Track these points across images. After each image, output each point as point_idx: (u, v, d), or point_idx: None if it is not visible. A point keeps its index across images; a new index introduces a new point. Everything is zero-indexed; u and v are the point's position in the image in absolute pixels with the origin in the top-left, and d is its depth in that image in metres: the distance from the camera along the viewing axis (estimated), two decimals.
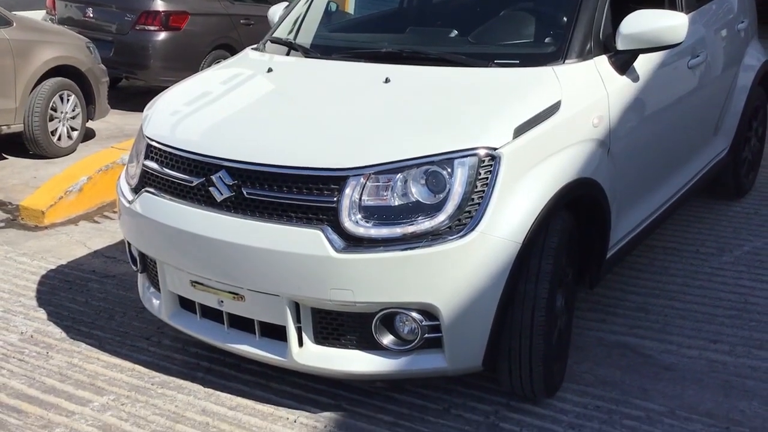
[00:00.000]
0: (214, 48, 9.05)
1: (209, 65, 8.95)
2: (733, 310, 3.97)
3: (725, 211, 5.22)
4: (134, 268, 3.56)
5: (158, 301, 3.37)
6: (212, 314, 3.16)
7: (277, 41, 3.97)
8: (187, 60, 8.77)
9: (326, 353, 2.94)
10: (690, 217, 5.06)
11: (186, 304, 3.27)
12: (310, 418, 3.06)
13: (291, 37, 3.97)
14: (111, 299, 4.14)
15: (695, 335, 3.73)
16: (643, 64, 3.55)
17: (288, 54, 3.79)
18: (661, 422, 3.05)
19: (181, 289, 3.19)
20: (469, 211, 2.75)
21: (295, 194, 2.84)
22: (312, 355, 2.94)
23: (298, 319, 2.91)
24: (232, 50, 9.30)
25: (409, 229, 2.74)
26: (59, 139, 6.96)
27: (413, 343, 2.84)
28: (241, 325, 3.08)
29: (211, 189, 3.00)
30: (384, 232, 2.76)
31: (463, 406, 3.13)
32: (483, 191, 2.78)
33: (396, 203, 2.78)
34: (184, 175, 3.10)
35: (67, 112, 7.00)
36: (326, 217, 2.80)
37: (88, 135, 7.52)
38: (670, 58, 3.80)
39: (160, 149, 3.22)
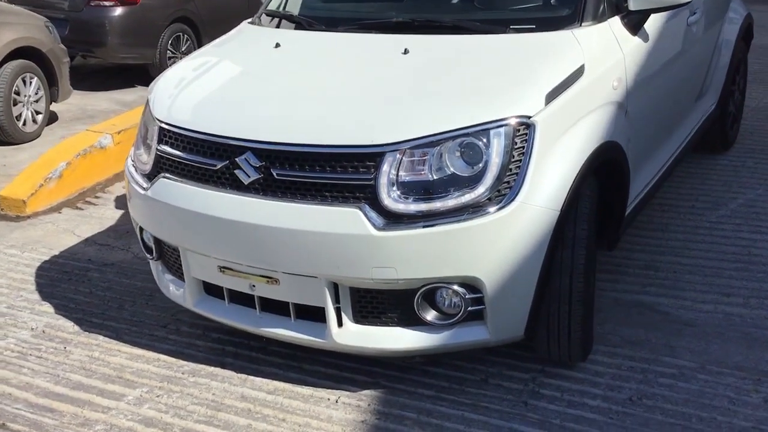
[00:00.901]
0: (172, 21, 8.80)
1: (168, 40, 8.73)
2: (738, 262, 4.05)
3: (713, 165, 5.30)
4: (148, 255, 3.47)
5: (180, 289, 3.29)
6: (240, 299, 3.11)
7: (276, 14, 3.86)
8: (146, 35, 8.54)
9: (367, 332, 2.91)
10: (681, 173, 5.12)
11: (211, 289, 3.20)
12: (352, 397, 3.04)
13: (290, 9, 3.86)
14: (116, 288, 4.03)
15: (707, 290, 3.79)
16: (652, 23, 3.56)
17: (294, 27, 3.69)
18: (695, 378, 3.10)
19: (208, 276, 3.12)
20: (508, 182, 2.74)
21: (329, 173, 2.78)
22: (352, 335, 2.91)
23: (337, 300, 2.87)
24: (191, 23, 9.09)
25: (449, 203, 2.72)
26: (24, 123, 6.72)
27: (456, 317, 2.82)
28: (274, 308, 3.03)
29: (236, 172, 2.92)
30: (423, 207, 2.72)
31: (499, 375, 3.14)
32: (520, 161, 2.76)
33: (433, 177, 2.74)
34: (206, 158, 3.01)
35: (30, 96, 6.75)
36: (363, 195, 2.75)
37: (51, 118, 7.27)
38: (674, 16, 3.82)
39: (176, 133, 3.12)
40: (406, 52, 3.15)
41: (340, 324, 2.90)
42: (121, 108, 7.67)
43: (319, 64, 3.31)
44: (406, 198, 2.73)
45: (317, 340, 2.95)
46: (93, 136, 5.72)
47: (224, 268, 3.02)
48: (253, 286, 3.00)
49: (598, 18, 3.29)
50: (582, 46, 3.13)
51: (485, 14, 3.47)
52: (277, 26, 3.82)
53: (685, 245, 4.24)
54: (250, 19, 4.02)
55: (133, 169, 3.37)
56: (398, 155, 2.73)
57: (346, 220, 2.74)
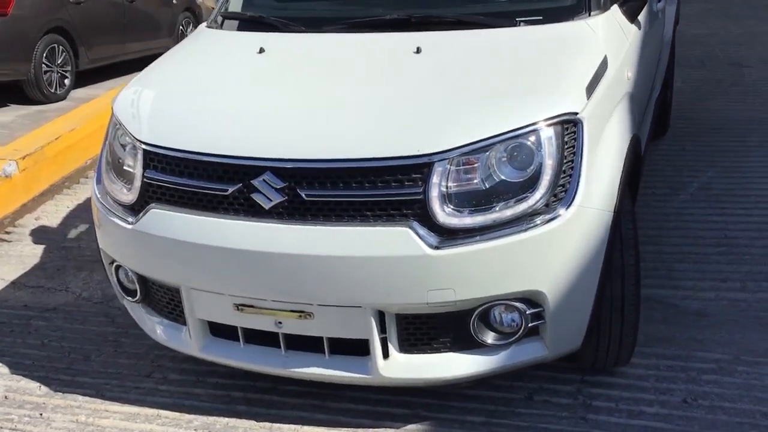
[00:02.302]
0: (46, 32, 8.06)
1: (43, 52, 7.99)
2: (720, 246, 4.04)
3: (656, 150, 5.33)
4: (128, 297, 3.04)
5: (177, 332, 2.89)
6: (258, 338, 2.75)
7: (237, 17, 3.49)
8: (18, 48, 7.78)
9: (416, 362, 2.63)
10: None
11: (217, 330, 2.83)
12: None
13: (255, 11, 3.50)
14: (71, 337, 3.55)
15: (701, 277, 3.75)
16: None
17: (264, 30, 3.33)
18: (736, 371, 3.02)
19: (219, 315, 2.74)
20: (563, 185, 2.53)
21: (370, 190, 2.48)
22: (401, 367, 2.62)
23: (382, 330, 2.58)
24: (66, 34, 8.37)
25: (506, 213, 2.48)
26: None
27: (517, 335, 2.59)
28: (301, 345, 2.70)
29: (254, 196, 2.57)
30: (479, 219, 2.47)
31: (542, 391, 2.94)
32: (572, 161, 2.56)
33: (485, 186, 2.49)
34: (213, 183, 2.63)
35: None
36: (411, 211, 2.47)
37: None
38: (649, 3, 3.74)
39: (169, 156, 2.72)
40: (418, 51, 2.88)
41: (386, 356, 2.61)
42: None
43: (321, 69, 2.98)
44: (460, 211, 2.47)
45: (360, 376, 2.65)
46: None
47: (242, 306, 2.66)
48: (280, 323, 2.65)
49: (603, 7, 3.15)
50: (599, 36, 2.98)
51: (486, 7, 3.25)
52: (238, 29, 3.47)
53: (660, 233, 4.20)
54: (206, 23, 3.63)
55: (105, 202, 2.93)
56: (447, 165, 2.47)
57: (394, 241, 2.45)
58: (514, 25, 3.03)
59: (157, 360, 3.29)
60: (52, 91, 8.20)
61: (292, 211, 2.54)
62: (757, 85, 6.94)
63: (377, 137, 2.54)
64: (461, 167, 2.49)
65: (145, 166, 2.78)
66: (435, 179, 2.46)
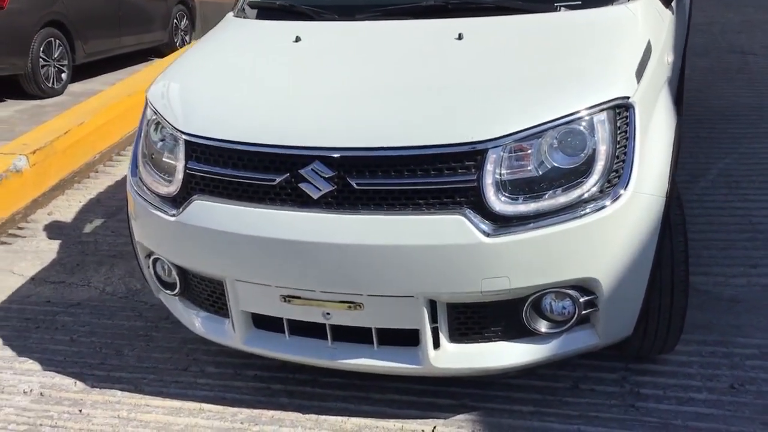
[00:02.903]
0: (42, 26, 7.96)
1: (40, 46, 7.89)
2: (745, 232, 4.03)
3: None
4: (167, 291, 2.99)
5: (219, 325, 2.85)
6: (303, 330, 2.71)
7: (266, 6, 3.44)
8: (15, 43, 7.67)
9: (467, 351, 2.60)
10: None
11: (260, 322, 2.78)
12: (448, 424, 2.72)
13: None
14: (100, 332, 3.49)
15: (731, 263, 3.74)
16: None
17: (292, 19, 3.28)
18: None
19: (265, 307, 2.70)
20: (617, 170, 2.50)
21: (423, 178, 2.44)
22: (451, 357, 2.59)
23: (433, 319, 2.54)
24: (62, 27, 8.26)
25: (560, 199, 2.45)
26: None
27: (569, 323, 2.57)
28: (349, 336, 2.66)
29: (301, 185, 2.53)
30: (533, 207, 2.45)
31: (587, 380, 2.92)
32: (625, 146, 2.53)
33: (539, 173, 2.47)
34: (260, 173, 2.59)
35: None
36: (465, 199, 2.44)
37: None
38: None
39: (214, 147, 2.67)
40: (460, 37, 2.85)
41: (436, 346, 2.58)
42: None
43: (362, 56, 2.94)
44: (514, 198, 2.44)
45: (410, 366, 2.61)
46: (5, 159, 5.00)
47: (290, 297, 2.62)
48: (328, 314, 2.61)
49: None
50: (639, 20, 2.95)
51: None
52: (267, 18, 3.42)
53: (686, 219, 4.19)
54: (233, 12, 3.57)
55: (143, 194, 2.88)
56: (501, 152, 2.44)
57: (449, 230, 2.42)
58: (554, 10, 3.00)
59: (191, 353, 3.25)
60: (50, 85, 8.10)
61: (342, 200, 2.50)
62: (764, 72, 6.94)
63: (430, 125, 2.50)
64: (514, 154, 2.46)
65: (188, 158, 2.73)
66: (489, 166, 2.42)
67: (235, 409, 2.86)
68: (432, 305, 2.52)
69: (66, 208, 5.01)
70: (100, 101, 6.31)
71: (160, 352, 3.29)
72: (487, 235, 2.41)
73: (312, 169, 2.52)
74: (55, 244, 4.49)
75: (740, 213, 4.24)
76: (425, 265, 2.44)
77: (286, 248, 2.54)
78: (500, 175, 2.44)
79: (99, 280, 4.01)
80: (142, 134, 3.00)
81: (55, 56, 8.17)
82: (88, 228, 4.70)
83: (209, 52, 3.27)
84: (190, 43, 10.31)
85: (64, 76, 8.32)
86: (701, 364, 2.98)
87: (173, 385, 3.05)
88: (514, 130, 2.44)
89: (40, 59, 7.93)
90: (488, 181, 2.42)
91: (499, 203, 2.43)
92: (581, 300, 2.53)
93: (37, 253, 4.39)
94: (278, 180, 2.56)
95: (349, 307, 2.57)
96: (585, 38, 2.84)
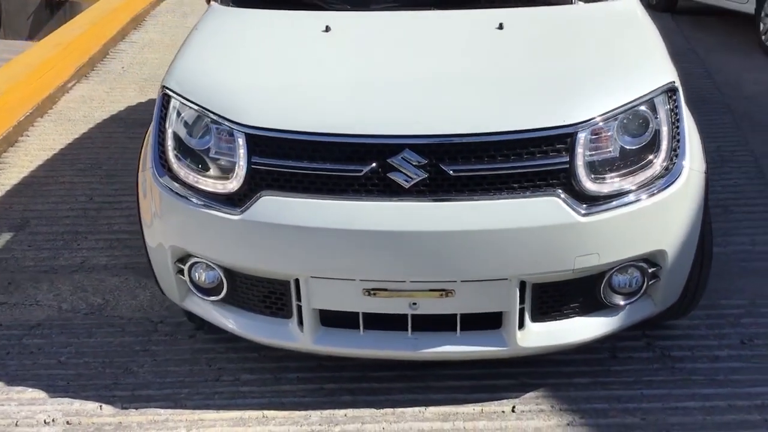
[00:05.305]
0: None
1: None
2: (716, 207, 4.26)
3: None
4: (208, 298, 2.80)
5: (281, 327, 2.72)
6: (374, 324, 2.67)
7: None
8: None
9: (549, 329, 2.69)
10: None
11: (325, 321, 2.70)
12: (525, 403, 2.79)
13: None
14: (88, 351, 3.20)
15: None
16: None
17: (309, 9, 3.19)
18: (763, 312, 3.35)
19: (343, 303, 2.62)
20: (675, 149, 2.70)
21: (518, 162, 2.50)
22: (536, 336, 2.67)
23: (522, 300, 2.61)
24: None
25: (638, 178, 2.61)
26: None
27: (639, 294, 2.74)
28: (427, 325, 2.66)
29: (391, 175, 2.49)
30: (616, 185, 2.58)
31: (620, 349, 3.09)
32: (678, 127, 2.73)
33: (617, 154, 2.61)
34: (344, 164, 2.52)
35: None
36: (557, 181, 2.52)
37: None
38: None
39: (285, 140, 2.55)
40: (500, 27, 2.93)
41: (521, 326, 2.64)
42: None
43: (409, 45, 2.92)
44: (601, 178, 2.57)
45: (496, 349, 2.66)
46: None
47: (375, 290, 2.57)
48: (414, 303, 2.59)
49: None
50: (642, 13, 3.19)
51: None
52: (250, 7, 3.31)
53: None
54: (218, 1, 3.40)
55: (186, 193, 2.67)
56: (587, 134, 2.55)
57: (544, 211, 2.50)
58: (587, 1, 3.16)
59: (212, 363, 3.06)
60: None
61: (435, 188, 2.50)
62: None
63: (520, 109, 2.56)
64: (597, 135, 2.58)
65: (251, 152, 2.58)
66: (580, 148, 2.53)
67: (302, 413, 2.74)
68: (522, 287, 2.58)
69: None
70: None
71: (176, 365, 3.06)
72: (581, 214, 2.51)
73: (402, 158, 2.49)
74: None
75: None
76: (521, 248, 2.50)
77: (375, 240, 2.49)
78: (587, 156, 2.55)
79: (48, 298, 3.63)
80: (168, 129, 2.77)
81: None
82: None
83: (233, 41, 3.08)
84: None
85: None
86: (707, 326, 3.26)
87: (216, 396, 2.86)
88: (598, 114, 2.56)
89: None
90: (579, 162, 2.53)
91: (590, 183, 2.54)
92: (649, 271, 2.71)
93: None
94: (365, 170, 2.50)
95: (441, 294, 2.56)
96: (615, 29, 3.03)
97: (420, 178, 2.49)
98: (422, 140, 2.49)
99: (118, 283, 3.71)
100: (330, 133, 2.52)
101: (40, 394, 2.90)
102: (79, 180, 4.85)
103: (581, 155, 2.53)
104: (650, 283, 2.73)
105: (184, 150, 2.74)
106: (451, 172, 2.48)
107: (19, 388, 2.93)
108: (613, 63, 2.81)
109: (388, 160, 2.49)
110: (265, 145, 2.57)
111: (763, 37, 7.15)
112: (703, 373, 2.94)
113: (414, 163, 2.49)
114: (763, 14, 7.16)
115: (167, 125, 2.78)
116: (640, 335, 3.18)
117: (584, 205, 2.52)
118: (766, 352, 3.08)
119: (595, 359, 3.03)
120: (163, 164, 2.77)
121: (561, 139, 2.52)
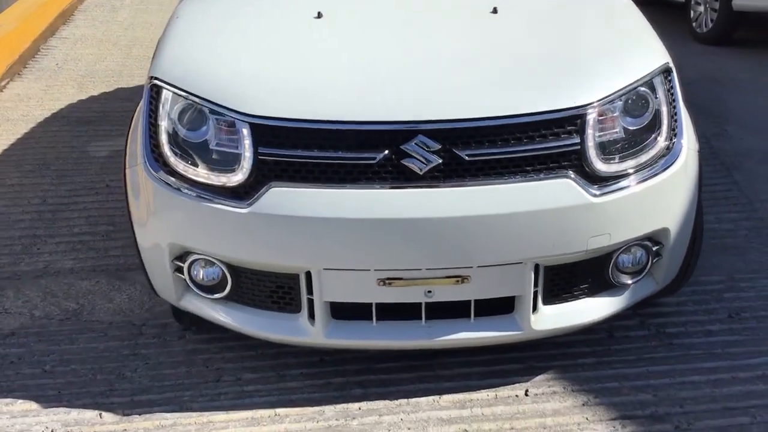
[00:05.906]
0: None
1: None
2: None
3: None
4: (210, 296, 2.71)
5: (290, 323, 2.65)
6: (386, 315, 2.63)
7: None
8: None
9: (560, 311, 2.69)
10: None
11: (335, 313, 2.64)
12: (537, 386, 2.79)
13: None
14: (74, 359, 3.04)
15: None
16: None
17: None
18: (742, 287, 3.43)
19: (355, 294, 2.56)
20: (674, 129, 2.75)
21: (531, 144, 2.49)
22: (548, 318, 2.67)
23: (535, 283, 2.60)
24: None
25: (642, 157, 2.64)
26: None
27: (644, 272, 2.77)
28: (441, 313, 2.63)
29: (405, 161, 2.45)
30: (623, 165, 2.61)
31: (615, 328, 3.13)
32: (675, 106, 2.78)
33: (622, 134, 2.63)
34: (356, 152, 2.46)
35: None
36: (569, 162, 2.53)
37: None
38: None
39: (294, 129, 2.47)
40: (495, 11, 2.91)
41: (534, 310, 2.64)
42: None
43: (407, 30, 2.87)
44: (611, 158, 2.58)
45: (510, 333, 2.65)
46: None
47: (390, 279, 2.52)
48: (430, 291, 2.56)
49: None
50: None
51: None
52: None
53: None
54: None
55: (186, 187, 2.57)
56: (596, 115, 2.56)
57: (559, 193, 2.50)
58: None
59: (209, 363, 2.95)
60: None
61: (450, 173, 2.47)
62: None
63: (530, 92, 2.55)
64: (603, 117, 2.60)
65: (257, 143, 2.49)
66: (590, 129, 2.54)
67: (315, 408, 2.68)
68: (536, 270, 2.58)
69: None
70: None
71: (172, 368, 2.94)
72: (594, 195, 2.52)
73: (416, 144, 2.45)
74: None
75: None
76: (537, 230, 2.50)
77: (390, 228, 2.45)
78: (597, 137, 2.56)
79: (17, 305, 3.44)
80: (161, 122, 2.66)
81: None
82: None
83: (222, 28, 2.97)
84: None
85: None
86: (694, 302, 3.33)
87: (222, 397, 2.76)
88: (605, 95, 2.57)
89: None
90: (590, 143, 2.54)
91: (600, 164, 2.55)
92: (653, 249, 2.74)
93: None
94: (378, 158, 2.45)
95: (457, 281, 2.54)
96: (607, 11, 3.06)
97: (434, 164, 2.45)
98: (436, 125, 2.45)
99: (89, 287, 3.55)
100: (342, 120, 2.46)
101: (31, 405, 2.74)
102: (28, 182, 4.62)
103: (591, 136, 2.54)
104: (654, 261, 2.77)
105: (179, 143, 2.63)
106: (466, 156, 2.46)
107: (8, 400, 2.77)
108: (612, 44, 2.83)
109: (402, 147, 2.45)
110: (273, 135, 2.49)
111: (693, 24, 7.37)
112: (700, 348, 3.00)
113: (428, 149, 2.45)
114: (693, 2, 7.39)
115: (159, 118, 2.66)
116: (632, 314, 3.23)
117: (596, 186, 2.54)
118: (754, 324, 3.16)
119: (594, 339, 3.06)
120: (156, 159, 2.66)
121: (571, 121, 2.52)
